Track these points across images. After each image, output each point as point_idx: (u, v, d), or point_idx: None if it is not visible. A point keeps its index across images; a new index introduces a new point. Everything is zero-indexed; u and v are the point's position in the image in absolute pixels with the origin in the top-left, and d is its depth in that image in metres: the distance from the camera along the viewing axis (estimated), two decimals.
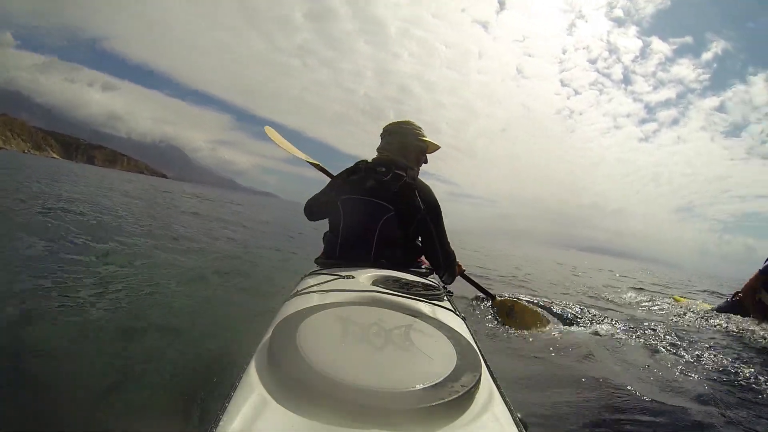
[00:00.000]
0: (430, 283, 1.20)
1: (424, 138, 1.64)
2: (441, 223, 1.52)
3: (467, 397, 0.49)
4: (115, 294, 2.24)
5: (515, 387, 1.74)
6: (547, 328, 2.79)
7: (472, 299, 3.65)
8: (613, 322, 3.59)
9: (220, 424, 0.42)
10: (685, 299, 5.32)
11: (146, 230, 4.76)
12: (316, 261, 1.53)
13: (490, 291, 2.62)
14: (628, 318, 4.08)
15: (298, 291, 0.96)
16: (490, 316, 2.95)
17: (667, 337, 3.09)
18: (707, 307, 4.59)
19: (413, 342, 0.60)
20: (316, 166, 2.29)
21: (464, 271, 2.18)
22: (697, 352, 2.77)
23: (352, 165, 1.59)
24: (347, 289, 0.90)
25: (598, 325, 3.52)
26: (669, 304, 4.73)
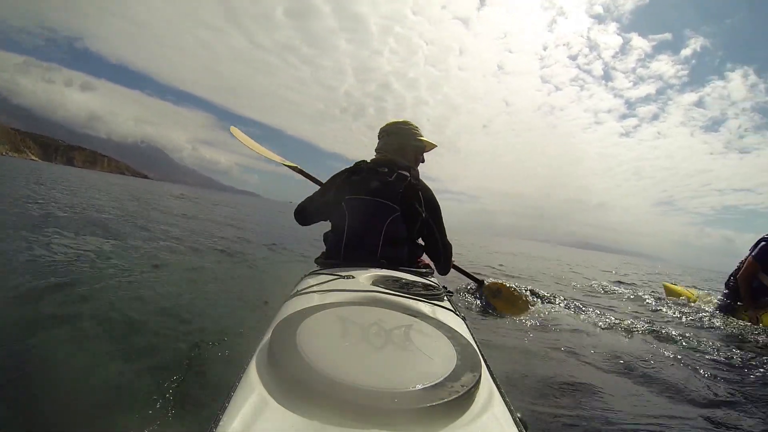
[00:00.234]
0: (430, 283, 1.20)
1: (421, 138, 1.67)
2: (441, 221, 1.59)
3: (467, 397, 0.49)
4: (114, 294, 2.24)
5: (515, 387, 1.74)
6: (532, 309, 3.05)
7: (473, 299, 3.66)
8: (609, 315, 3.60)
9: (220, 424, 0.42)
10: (677, 286, 5.37)
11: (141, 232, 4.76)
12: (316, 261, 1.53)
13: (478, 278, 2.84)
14: (622, 310, 4.09)
15: (298, 291, 0.96)
16: (482, 310, 2.98)
17: (664, 330, 3.09)
18: (697, 293, 4.64)
19: (413, 342, 0.60)
20: (293, 168, 2.29)
21: (454, 261, 2.27)
22: (699, 347, 2.77)
23: (351, 165, 1.60)
24: (347, 289, 0.90)
25: (587, 315, 3.53)
26: (673, 301, 4.72)
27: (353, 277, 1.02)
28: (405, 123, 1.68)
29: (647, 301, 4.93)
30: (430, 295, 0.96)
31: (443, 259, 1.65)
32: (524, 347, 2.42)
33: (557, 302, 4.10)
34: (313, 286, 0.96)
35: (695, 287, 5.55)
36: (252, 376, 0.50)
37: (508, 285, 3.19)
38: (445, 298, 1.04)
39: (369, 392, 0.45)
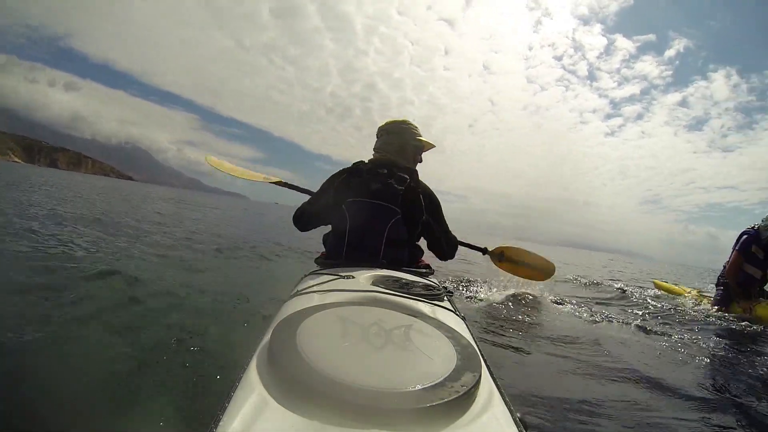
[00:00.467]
0: (430, 283, 1.20)
1: (420, 138, 1.66)
2: (442, 218, 1.61)
3: (467, 397, 0.49)
4: (113, 295, 2.24)
5: (515, 387, 1.74)
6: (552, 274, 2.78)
7: (473, 299, 3.66)
8: (604, 312, 3.60)
9: (220, 424, 0.42)
10: (667, 284, 5.43)
11: (138, 233, 4.76)
12: (316, 261, 1.52)
13: (480, 247, 2.57)
14: (622, 307, 4.09)
15: (298, 291, 0.96)
16: (482, 310, 2.96)
17: (659, 327, 3.10)
18: (687, 289, 4.71)
19: (413, 342, 0.60)
20: (278, 183, 2.27)
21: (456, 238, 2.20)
22: (697, 342, 2.77)
23: (349, 166, 1.59)
24: (347, 289, 0.90)
25: (583, 313, 3.53)
26: (665, 297, 4.74)
27: (353, 277, 1.02)
28: (404, 122, 1.66)
29: (639, 297, 4.95)
30: (430, 295, 0.96)
31: (448, 252, 1.71)
32: (524, 347, 2.42)
33: (553, 301, 4.11)
34: (313, 286, 0.95)
35: (682, 284, 5.60)
36: (252, 376, 0.50)
37: (516, 247, 2.81)
38: (445, 298, 1.04)
39: (369, 392, 0.45)
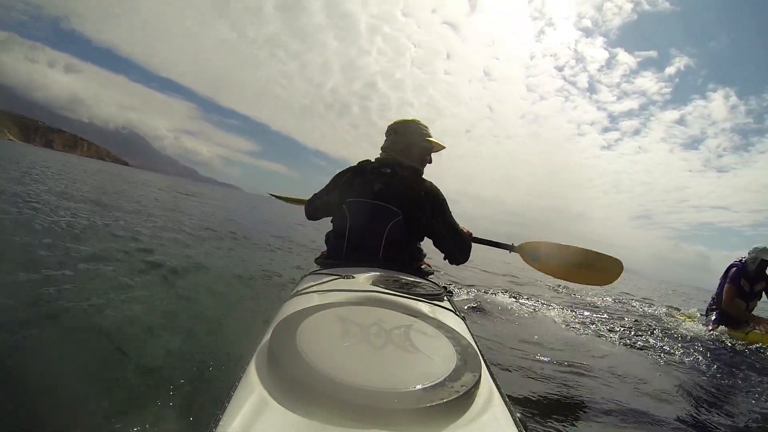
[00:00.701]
0: (430, 283, 1.20)
1: (430, 138, 1.62)
2: (447, 217, 1.53)
3: (467, 397, 0.49)
4: (112, 294, 2.24)
5: (515, 387, 1.74)
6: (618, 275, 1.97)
7: (473, 299, 3.66)
8: (603, 322, 3.61)
9: (220, 424, 0.42)
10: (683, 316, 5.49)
11: (133, 228, 4.74)
12: (317, 261, 1.52)
13: (506, 244, 2.15)
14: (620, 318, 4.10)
15: (298, 291, 0.96)
16: (482, 309, 2.95)
17: (659, 339, 3.11)
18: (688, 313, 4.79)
19: (413, 342, 0.60)
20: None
21: (472, 234, 1.83)
22: (692, 358, 2.79)
23: (355, 164, 1.59)
24: (347, 289, 0.90)
25: (583, 322, 3.53)
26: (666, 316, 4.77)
27: (353, 277, 1.02)
28: (414, 122, 1.63)
29: (635, 311, 5.00)
30: (430, 295, 0.96)
31: (457, 252, 1.60)
32: (524, 348, 2.42)
33: (553, 307, 4.12)
34: (313, 286, 0.95)
35: (679, 309, 5.68)
36: (252, 376, 0.50)
37: (554, 243, 2.23)
38: (445, 298, 1.04)
39: (369, 392, 0.45)
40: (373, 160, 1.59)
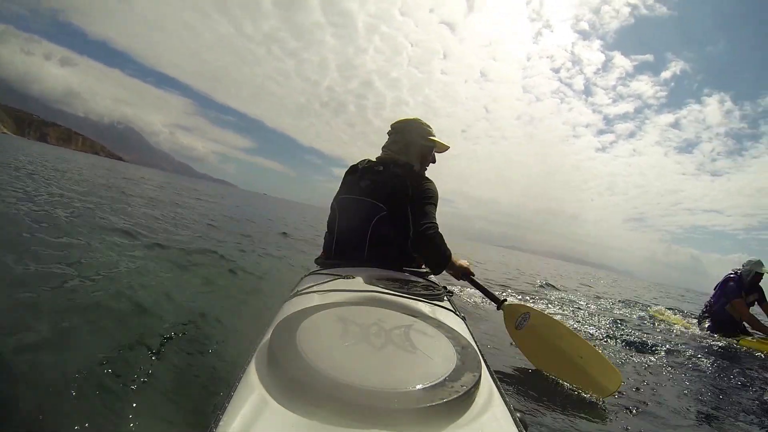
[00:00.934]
0: (430, 283, 1.20)
1: (432, 138, 1.59)
2: (424, 205, 1.37)
3: (467, 397, 0.49)
4: (112, 294, 2.24)
5: (515, 387, 1.74)
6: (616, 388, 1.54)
7: (474, 299, 3.65)
8: (602, 325, 3.61)
9: (220, 424, 0.42)
10: (659, 310, 5.59)
11: (135, 226, 4.73)
12: (316, 261, 1.53)
13: (498, 296, 1.90)
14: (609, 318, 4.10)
15: (298, 291, 0.96)
16: (492, 322, 2.94)
17: (656, 340, 3.11)
18: (680, 318, 4.86)
19: (413, 342, 0.60)
20: None
21: (473, 275, 1.64)
22: (689, 355, 2.79)
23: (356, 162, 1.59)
24: (347, 289, 0.90)
25: (582, 324, 3.53)
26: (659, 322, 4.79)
27: (353, 277, 1.02)
28: (415, 120, 1.61)
29: (633, 314, 5.02)
30: (430, 295, 0.96)
31: (425, 243, 1.34)
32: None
33: (553, 308, 4.12)
34: (312, 286, 0.95)
35: (673, 311, 5.77)
36: (252, 376, 0.50)
37: (544, 312, 1.95)
38: (445, 298, 1.04)
39: (369, 392, 0.45)
40: (374, 158, 1.59)
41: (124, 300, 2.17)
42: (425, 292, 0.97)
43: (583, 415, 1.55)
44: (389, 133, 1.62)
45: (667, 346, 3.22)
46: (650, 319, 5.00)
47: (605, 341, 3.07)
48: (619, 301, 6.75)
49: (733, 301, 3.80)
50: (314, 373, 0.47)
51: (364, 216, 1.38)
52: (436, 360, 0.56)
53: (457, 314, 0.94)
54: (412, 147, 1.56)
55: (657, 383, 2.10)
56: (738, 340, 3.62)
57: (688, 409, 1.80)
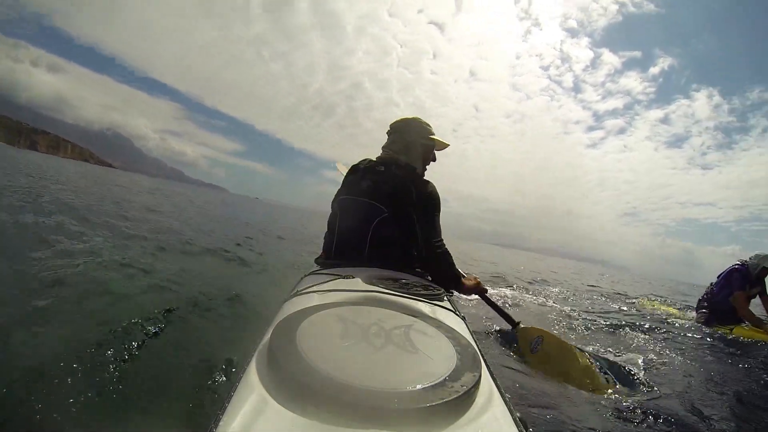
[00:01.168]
0: (430, 283, 1.19)
1: (432, 136, 1.59)
2: (432, 216, 1.40)
3: (467, 397, 0.49)
4: (112, 294, 2.24)
5: (515, 387, 1.74)
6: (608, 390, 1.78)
7: (474, 299, 3.65)
8: (603, 321, 3.61)
9: (220, 424, 0.42)
10: (654, 302, 5.62)
11: (134, 230, 4.74)
12: (316, 261, 1.52)
13: (513, 319, 1.97)
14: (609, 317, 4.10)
15: (298, 291, 0.96)
16: (492, 322, 2.93)
17: (655, 334, 3.12)
18: (674, 310, 4.94)
19: (413, 342, 0.60)
20: None
21: (486, 291, 1.69)
22: (686, 348, 2.79)
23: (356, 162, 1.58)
24: (347, 289, 0.90)
25: (580, 321, 3.53)
26: (654, 315, 4.80)
27: (353, 277, 1.02)
28: (415, 120, 1.60)
29: (630, 309, 5.05)
30: (430, 295, 0.96)
31: (433, 262, 1.42)
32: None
33: (553, 306, 4.12)
34: (312, 286, 0.95)
35: (670, 304, 5.82)
36: (252, 376, 0.50)
37: (557, 336, 2.03)
38: (445, 298, 1.04)
39: (369, 392, 0.45)
40: (374, 158, 1.58)
41: (124, 300, 2.17)
42: (425, 292, 0.97)
43: (583, 414, 1.55)
44: (389, 133, 1.61)
45: (660, 336, 3.23)
46: (640, 309, 5.03)
47: (594, 333, 3.08)
48: (613, 293, 6.78)
49: (735, 293, 3.77)
50: (314, 373, 0.47)
51: (364, 217, 1.38)
52: (436, 360, 0.56)
53: (457, 314, 0.94)
54: (413, 147, 1.55)
55: (653, 378, 2.10)
56: (732, 329, 3.60)
57: (685, 405, 1.79)
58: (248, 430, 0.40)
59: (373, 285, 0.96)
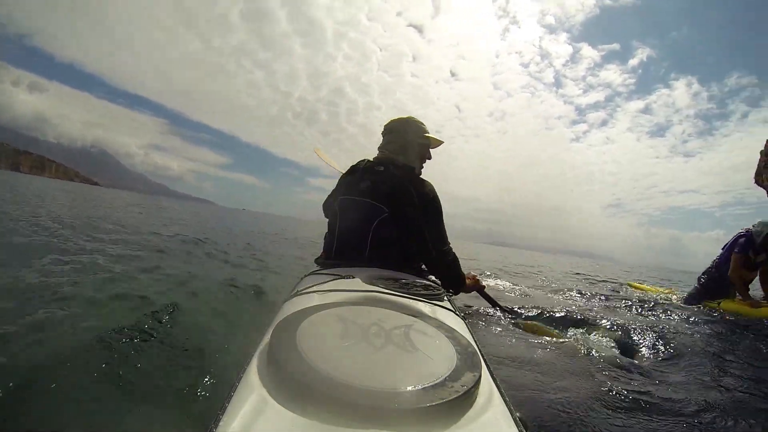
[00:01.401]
0: (430, 283, 1.20)
1: (427, 135, 1.61)
2: (436, 221, 1.44)
3: (467, 397, 0.49)
4: (113, 294, 2.24)
5: (515, 387, 1.74)
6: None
7: (474, 298, 3.65)
8: (596, 315, 3.61)
9: (220, 424, 0.42)
10: (642, 285, 5.60)
11: (134, 238, 4.75)
12: (316, 261, 1.53)
13: (515, 309, 2.20)
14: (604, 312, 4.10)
15: (298, 291, 0.96)
16: (492, 321, 2.94)
17: (652, 327, 3.11)
18: (662, 290, 4.90)
19: (413, 342, 0.60)
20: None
21: (484, 287, 1.86)
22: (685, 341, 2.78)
23: (354, 163, 1.59)
24: (347, 289, 0.90)
25: (575, 315, 3.54)
26: (643, 298, 4.78)
27: (353, 277, 1.02)
28: (410, 119, 1.62)
29: (622, 301, 5.06)
30: (430, 295, 0.97)
31: (443, 267, 1.47)
32: (524, 347, 2.42)
33: (554, 304, 4.12)
34: (312, 286, 0.96)
35: (658, 285, 5.80)
36: (252, 376, 0.50)
37: (547, 328, 2.55)
38: (445, 298, 1.04)
39: (369, 392, 0.45)
40: (372, 159, 1.59)
41: (124, 300, 2.17)
42: (425, 292, 0.97)
43: (583, 414, 1.55)
44: (383, 134, 1.63)
45: (652, 319, 3.22)
46: (626, 290, 5.03)
47: (602, 329, 3.07)
48: (600, 281, 6.80)
49: (734, 254, 3.78)
50: (314, 373, 0.47)
51: (364, 217, 1.39)
52: (436, 360, 0.56)
53: (457, 314, 0.94)
54: (410, 146, 1.57)
55: (657, 373, 2.09)
56: (719, 303, 3.59)
57: (691, 404, 1.79)
58: (248, 430, 0.40)
59: (373, 285, 0.96)
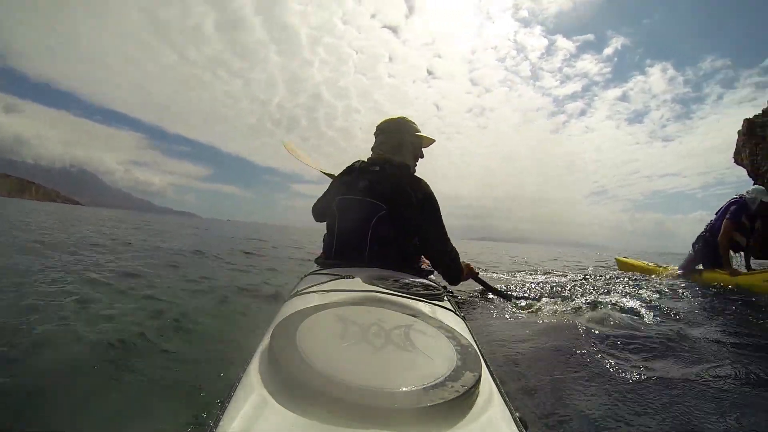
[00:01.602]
0: (430, 283, 1.20)
1: (419, 133, 1.64)
2: (436, 219, 1.47)
3: (467, 397, 0.49)
4: (113, 295, 2.24)
5: (515, 387, 1.74)
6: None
7: (474, 298, 3.65)
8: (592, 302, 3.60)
9: (220, 424, 0.42)
10: (630, 259, 5.60)
11: (135, 249, 4.75)
12: (316, 261, 1.53)
13: (510, 293, 2.35)
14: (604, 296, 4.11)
15: (298, 291, 0.96)
16: (492, 320, 2.93)
17: (650, 308, 3.10)
18: (651, 264, 5.00)
19: (413, 342, 0.60)
20: (331, 176, 2.26)
21: (477, 273, 2.01)
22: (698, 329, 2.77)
23: (349, 164, 1.60)
24: (347, 289, 0.90)
25: (569, 307, 3.54)
26: (632, 276, 4.75)
27: (353, 277, 1.02)
28: (402, 119, 1.64)
29: (611, 281, 5.05)
30: (430, 295, 0.96)
31: (444, 266, 1.55)
32: (524, 347, 2.42)
33: (553, 303, 4.11)
34: (312, 286, 0.96)
35: (641, 260, 5.78)
36: (252, 376, 0.50)
37: (538, 303, 2.83)
38: (445, 298, 1.04)
39: (369, 392, 0.45)
40: (366, 159, 1.60)
41: (124, 300, 2.17)
42: (425, 292, 0.97)
43: (583, 414, 1.55)
44: (376, 135, 1.65)
45: (666, 312, 3.22)
46: (613, 266, 4.98)
47: (602, 325, 3.07)
48: (585, 266, 6.80)
49: (726, 220, 3.79)
50: (314, 373, 0.47)
51: (363, 216, 1.39)
52: (436, 360, 0.56)
53: (457, 314, 0.94)
54: (403, 145, 1.60)
55: (658, 368, 2.09)
56: (701, 273, 3.64)
57: (692, 403, 1.79)
58: (248, 430, 0.40)
59: (373, 285, 0.96)
